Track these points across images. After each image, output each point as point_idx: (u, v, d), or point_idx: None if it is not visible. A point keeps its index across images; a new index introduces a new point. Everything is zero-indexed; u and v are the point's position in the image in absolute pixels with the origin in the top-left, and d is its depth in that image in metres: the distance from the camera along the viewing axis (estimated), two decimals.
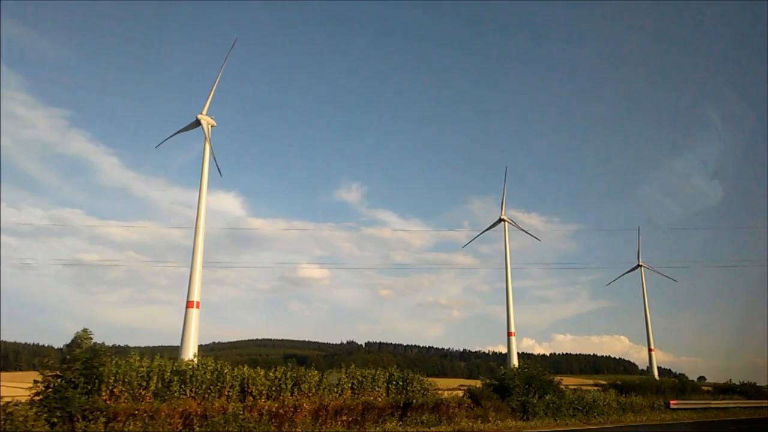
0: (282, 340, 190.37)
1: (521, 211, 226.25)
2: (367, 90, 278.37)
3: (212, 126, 44.20)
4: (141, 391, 21.42)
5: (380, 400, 26.16)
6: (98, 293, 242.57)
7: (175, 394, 21.80)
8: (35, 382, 19.01)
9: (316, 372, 26.14)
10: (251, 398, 23.45)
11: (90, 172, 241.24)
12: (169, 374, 22.32)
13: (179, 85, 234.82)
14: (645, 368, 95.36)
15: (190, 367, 23.32)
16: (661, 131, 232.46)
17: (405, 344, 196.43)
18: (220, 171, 43.28)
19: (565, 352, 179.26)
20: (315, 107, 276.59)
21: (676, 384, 45.90)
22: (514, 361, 64.06)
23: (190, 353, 39.94)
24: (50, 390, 18.64)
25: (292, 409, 22.44)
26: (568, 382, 43.38)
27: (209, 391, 22.79)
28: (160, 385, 21.91)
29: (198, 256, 41.13)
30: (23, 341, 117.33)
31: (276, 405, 22.37)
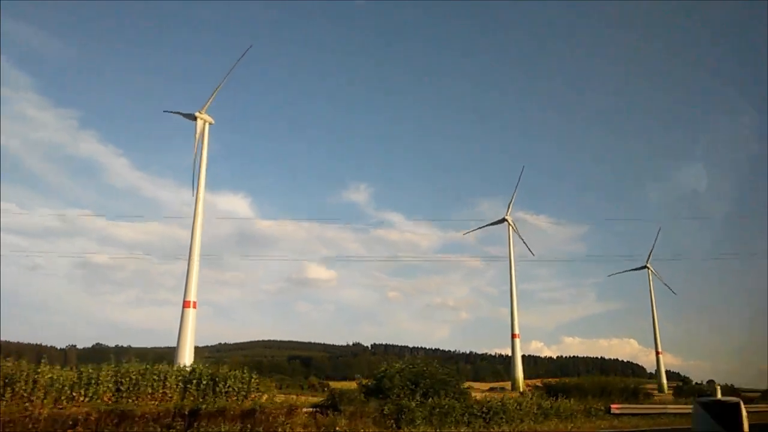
0: (288, 341, 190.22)
1: (530, 212, 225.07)
2: (374, 91, 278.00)
3: (210, 124, 43.75)
4: None
5: (152, 405, 19.94)
6: (106, 293, 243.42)
7: None
8: None
9: (47, 367, 19.45)
10: None
11: (99, 173, 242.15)
12: None
13: (188, 85, 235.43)
14: (654, 371, 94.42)
15: None
16: (667, 132, 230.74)
17: (411, 346, 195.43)
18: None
19: (572, 355, 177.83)
20: (322, 108, 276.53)
21: (627, 385, 40.40)
22: (518, 363, 63.63)
23: (186, 353, 39.62)
24: None
25: None
26: None
27: None
28: None
29: (195, 256, 40.72)
30: (32, 342, 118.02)
31: None
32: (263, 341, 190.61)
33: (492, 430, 24.92)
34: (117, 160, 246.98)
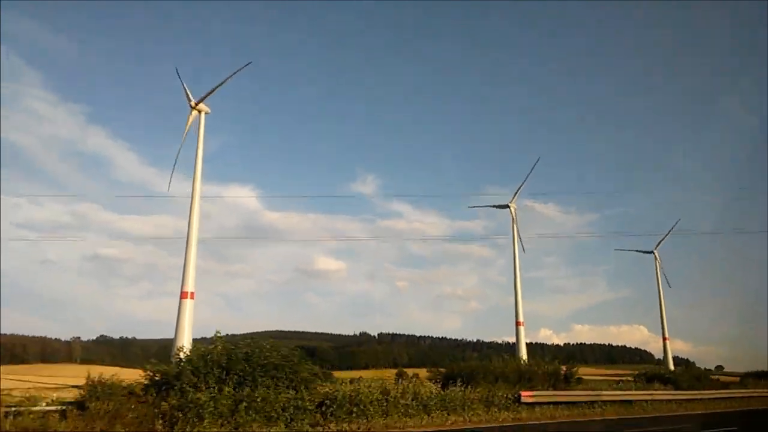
0: (295, 331, 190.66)
1: (538, 200, 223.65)
2: (381, 83, 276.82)
3: (206, 113, 43.09)
4: None
5: None
6: (116, 287, 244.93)
7: None
8: None
9: None
10: None
11: (109, 168, 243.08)
12: None
13: (196, 80, 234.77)
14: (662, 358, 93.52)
15: None
16: (672, 123, 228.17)
17: (419, 335, 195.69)
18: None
19: (577, 342, 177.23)
20: (329, 101, 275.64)
21: (556, 369, 32.19)
22: (523, 350, 62.59)
23: (184, 345, 39.11)
24: None
25: None
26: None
27: None
28: None
29: (192, 247, 40.23)
30: (38, 335, 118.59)
31: None
32: (270, 332, 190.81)
33: (329, 428, 19.77)
34: (125, 154, 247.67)
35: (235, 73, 41.36)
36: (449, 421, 22.56)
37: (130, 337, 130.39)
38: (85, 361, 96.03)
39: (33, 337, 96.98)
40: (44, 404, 17.43)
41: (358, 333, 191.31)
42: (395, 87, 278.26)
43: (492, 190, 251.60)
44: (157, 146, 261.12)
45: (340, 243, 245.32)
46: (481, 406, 24.65)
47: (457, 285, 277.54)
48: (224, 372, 19.58)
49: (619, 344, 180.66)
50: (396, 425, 21.09)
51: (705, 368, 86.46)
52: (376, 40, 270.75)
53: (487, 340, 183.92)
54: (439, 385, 25.79)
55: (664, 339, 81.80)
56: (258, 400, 19.04)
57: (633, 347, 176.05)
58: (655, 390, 34.12)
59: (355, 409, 20.97)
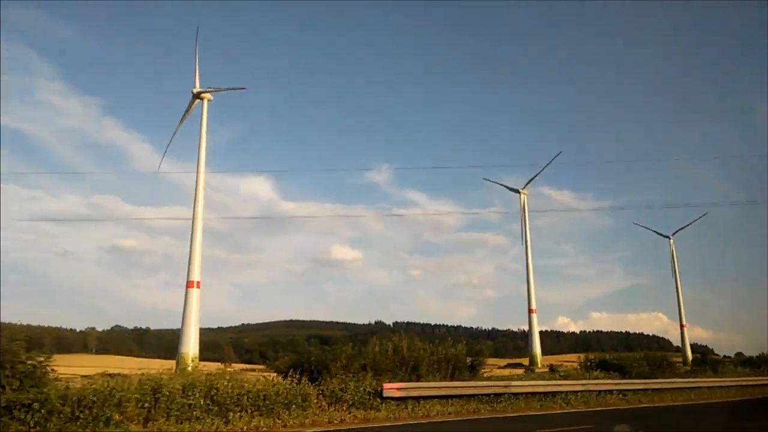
0: (310, 321, 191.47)
1: (553, 188, 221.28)
2: (395, 71, 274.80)
3: (209, 101, 42.82)
4: None
5: None
6: (135, 277, 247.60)
7: None
8: None
9: None
10: None
11: (124, 159, 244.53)
12: None
13: (210, 69, 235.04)
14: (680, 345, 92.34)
15: None
16: (690, 105, 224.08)
17: (433, 323, 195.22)
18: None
19: (595, 330, 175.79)
20: (343, 89, 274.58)
21: (453, 356, 24.12)
22: (536, 338, 62.06)
23: (191, 334, 39.04)
24: None
25: None
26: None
27: None
28: None
29: (197, 235, 40.06)
30: (57, 325, 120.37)
31: None
32: (286, 321, 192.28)
33: None
34: (141, 146, 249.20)
35: (231, 89, 42.09)
36: (247, 426, 15.96)
37: (144, 327, 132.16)
38: (100, 351, 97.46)
39: (48, 327, 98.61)
40: None
41: (373, 322, 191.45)
42: (410, 76, 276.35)
43: (508, 179, 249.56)
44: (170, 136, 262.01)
45: (355, 232, 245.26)
46: (324, 402, 18.54)
47: (472, 273, 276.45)
48: None
49: (637, 332, 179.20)
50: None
51: (724, 355, 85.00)
52: (388, 29, 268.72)
53: (502, 328, 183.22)
54: (282, 377, 19.73)
55: (682, 326, 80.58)
56: None
57: (651, 335, 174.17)
58: (591, 380, 27.43)
59: (81, 415, 13.46)
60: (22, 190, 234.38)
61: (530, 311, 62.96)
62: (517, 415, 21.15)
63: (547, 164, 65.40)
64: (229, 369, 50.67)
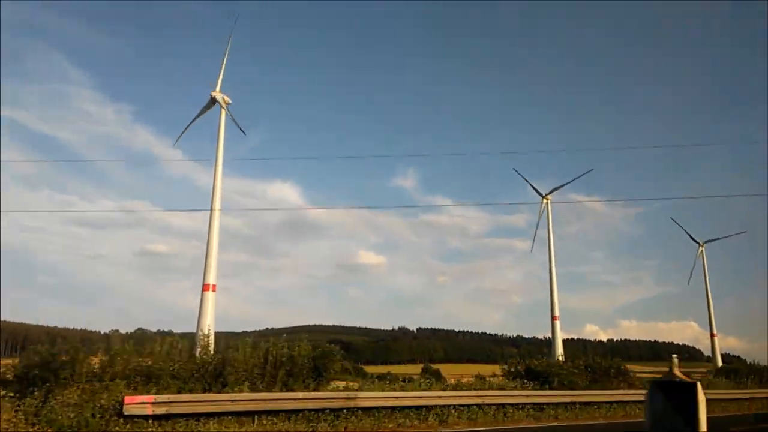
0: (333, 326, 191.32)
1: (581, 193, 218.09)
2: (421, 79, 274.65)
3: (228, 104, 42.69)
4: None
5: None
6: (165, 281, 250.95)
7: None
8: None
9: None
10: None
11: (155, 165, 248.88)
12: None
13: (237, 75, 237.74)
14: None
15: None
16: (717, 108, 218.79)
17: (457, 330, 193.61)
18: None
19: (623, 338, 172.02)
20: (370, 96, 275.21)
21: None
22: (559, 346, 60.69)
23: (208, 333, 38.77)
24: None
25: None
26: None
27: None
28: None
29: (213, 239, 39.84)
30: (85, 327, 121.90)
31: None
32: (308, 326, 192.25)
33: None
34: (170, 151, 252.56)
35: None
36: None
37: (167, 329, 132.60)
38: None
39: (73, 329, 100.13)
40: None
41: (396, 327, 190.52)
42: (436, 83, 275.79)
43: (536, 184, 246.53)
44: (199, 142, 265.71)
45: (381, 237, 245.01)
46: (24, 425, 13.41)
47: (499, 279, 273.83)
48: None
49: (666, 341, 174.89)
50: None
51: (759, 364, 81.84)
52: (413, 36, 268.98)
53: (527, 335, 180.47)
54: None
55: (712, 335, 78.22)
56: None
57: (681, 344, 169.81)
58: (490, 390, 21.88)
59: None
60: (58, 195, 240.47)
61: (553, 318, 61.61)
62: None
63: (576, 178, 64.78)
64: None
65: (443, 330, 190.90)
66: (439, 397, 19.49)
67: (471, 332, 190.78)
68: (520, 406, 21.09)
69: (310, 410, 16.32)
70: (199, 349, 20.46)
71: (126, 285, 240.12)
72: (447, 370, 62.26)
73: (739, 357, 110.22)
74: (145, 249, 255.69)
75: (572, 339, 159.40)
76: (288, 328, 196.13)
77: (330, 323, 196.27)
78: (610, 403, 23.81)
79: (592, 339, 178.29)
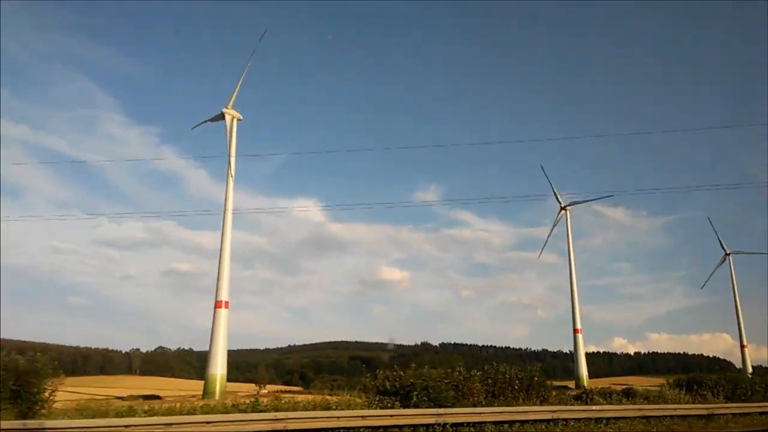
0: (355, 342, 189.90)
1: (605, 204, 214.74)
2: (441, 89, 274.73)
3: (238, 120, 42.86)
4: None
5: None
6: (193, 300, 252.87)
7: None
8: None
9: None
10: None
11: (180, 186, 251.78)
12: None
13: (258, 96, 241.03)
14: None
15: None
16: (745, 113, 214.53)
17: (481, 344, 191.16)
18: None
19: (651, 351, 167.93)
20: (391, 109, 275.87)
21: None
22: (582, 360, 59.56)
23: (219, 355, 38.66)
24: None
25: None
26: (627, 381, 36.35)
27: None
28: None
29: (225, 256, 39.85)
30: (110, 347, 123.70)
31: None
32: (331, 342, 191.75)
33: None
34: (196, 172, 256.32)
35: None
36: None
37: (187, 347, 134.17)
38: (144, 372, 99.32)
39: (96, 348, 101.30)
40: None
41: (419, 342, 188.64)
42: (456, 98, 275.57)
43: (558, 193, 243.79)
44: (224, 162, 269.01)
45: (404, 253, 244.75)
46: None
47: (524, 293, 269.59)
48: None
49: (700, 353, 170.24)
50: None
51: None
52: (438, 52, 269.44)
53: (553, 349, 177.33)
54: None
55: (742, 347, 76.37)
56: None
57: (711, 356, 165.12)
58: (296, 413, 17.47)
59: None
60: (87, 217, 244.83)
61: (575, 331, 60.54)
62: None
63: (597, 198, 65.11)
64: (263, 390, 49.80)
65: (466, 345, 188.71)
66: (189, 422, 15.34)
67: (495, 347, 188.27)
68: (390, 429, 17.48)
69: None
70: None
71: (153, 304, 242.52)
72: None
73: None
74: (171, 268, 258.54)
75: (597, 352, 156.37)
76: (311, 345, 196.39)
77: (352, 339, 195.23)
78: (502, 423, 19.40)
79: (620, 352, 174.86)
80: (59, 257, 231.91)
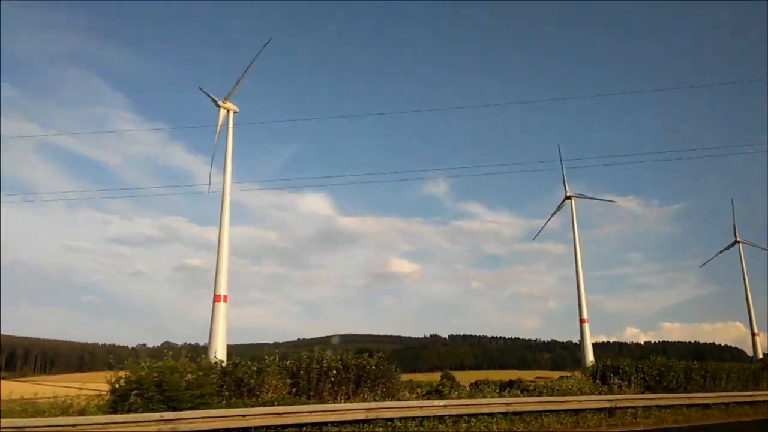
0: (363, 335, 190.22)
1: (615, 194, 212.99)
2: (450, 84, 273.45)
3: (235, 112, 42.28)
4: None
5: None
6: (203, 296, 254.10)
7: None
8: None
9: None
10: None
11: (189, 182, 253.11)
12: None
13: (267, 91, 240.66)
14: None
15: None
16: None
17: (490, 336, 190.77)
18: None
19: (662, 340, 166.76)
20: (398, 104, 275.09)
21: None
22: (589, 349, 58.70)
23: (219, 349, 38.30)
24: None
25: None
26: None
27: None
28: None
29: (223, 249, 39.40)
30: (117, 343, 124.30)
31: None
32: (339, 335, 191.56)
33: None
34: (204, 168, 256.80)
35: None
36: None
37: (193, 342, 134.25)
38: None
39: (102, 344, 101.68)
40: None
41: (428, 335, 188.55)
42: (464, 90, 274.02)
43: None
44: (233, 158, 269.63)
45: (413, 246, 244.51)
46: None
47: (534, 284, 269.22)
48: None
49: (705, 341, 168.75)
50: None
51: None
52: (447, 46, 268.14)
53: (562, 340, 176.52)
54: None
55: (753, 335, 75.12)
56: None
57: (723, 344, 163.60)
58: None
59: None
60: (97, 214, 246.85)
61: (581, 321, 59.75)
62: None
63: (596, 198, 64.38)
64: None
65: (475, 336, 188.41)
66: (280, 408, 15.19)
67: (504, 338, 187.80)
68: None
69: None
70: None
71: (162, 301, 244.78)
72: (473, 376, 60.78)
73: None
74: (182, 264, 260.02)
75: (607, 342, 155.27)
76: (319, 339, 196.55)
77: (360, 332, 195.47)
78: (300, 425, 15.11)
79: (632, 342, 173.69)
80: (71, 255, 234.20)
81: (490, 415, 18.12)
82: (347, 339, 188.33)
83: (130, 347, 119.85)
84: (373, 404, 16.87)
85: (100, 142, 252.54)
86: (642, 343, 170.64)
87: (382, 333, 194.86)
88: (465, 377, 53.56)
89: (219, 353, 37.96)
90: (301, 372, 18.46)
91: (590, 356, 58.69)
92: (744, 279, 75.15)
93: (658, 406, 21.63)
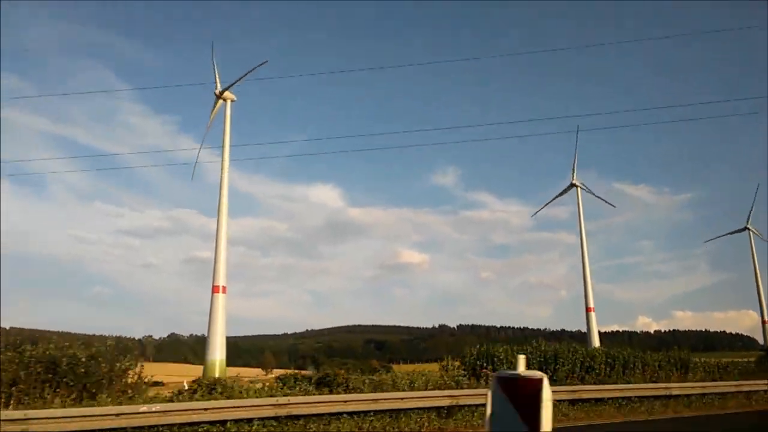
0: (372, 326, 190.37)
1: (627, 182, 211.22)
2: (457, 73, 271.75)
3: (232, 101, 41.81)
4: None
5: None
6: (209, 287, 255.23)
7: None
8: None
9: None
10: None
11: (199, 174, 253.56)
12: None
13: (273, 85, 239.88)
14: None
15: None
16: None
17: (499, 326, 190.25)
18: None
19: (672, 329, 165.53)
20: (406, 94, 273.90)
21: None
22: (595, 339, 58.00)
23: (218, 340, 38.08)
24: None
25: None
26: None
27: None
28: None
29: (222, 239, 39.04)
30: (124, 334, 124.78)
31: None
32: (348, 326, 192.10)
33: None
34: (216, 160, 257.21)
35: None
36: None
37: (199, 334, 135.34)
38: (158, 359, 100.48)
39: (109, 336, 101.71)
40: None
41: (437, 325, 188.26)
42: (473, 79, 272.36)
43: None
44: (240, 150, 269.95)
45: (423, 236, 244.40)
46: None
47: (544, 274, 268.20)
48: None
49: (719, 330, 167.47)
50: None
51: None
52: (456, 36, 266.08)
53: (572, 329, 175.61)
54: None
55: (764, 322, 74.24)
56: None
57: (734, 333, 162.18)
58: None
59: None
60: (108, 206, 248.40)
61: (588, 310, 59.05)
62: None
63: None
64: (269, 374, 49.02)
65: (483, 326, 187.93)
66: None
67: (513, 328, 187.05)
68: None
69: None
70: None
71: (172, 292, 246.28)
72: None
73: None
74: (192, 256, 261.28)
75: (619, 331, 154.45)
76: (328, 329, 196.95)
77: (368, 323, 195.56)
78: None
79: (644, 331, 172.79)
80: (82, 247, 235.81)
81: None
82: (355, 330, 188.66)
83: (136, 338, 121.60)
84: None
85: (110, 134, 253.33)
86: (652, 332, 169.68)
87: (390, 323, 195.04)
88: None
89: (219, 344, 37.81)
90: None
91: (596, 345, 58.09)
92: (754, 265, 74.11)
93: None
